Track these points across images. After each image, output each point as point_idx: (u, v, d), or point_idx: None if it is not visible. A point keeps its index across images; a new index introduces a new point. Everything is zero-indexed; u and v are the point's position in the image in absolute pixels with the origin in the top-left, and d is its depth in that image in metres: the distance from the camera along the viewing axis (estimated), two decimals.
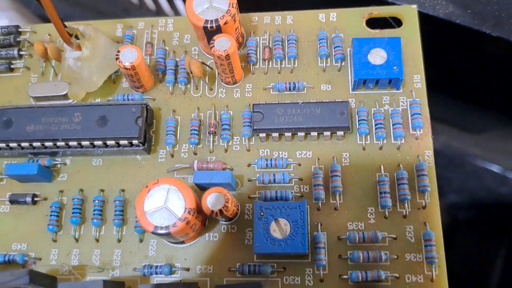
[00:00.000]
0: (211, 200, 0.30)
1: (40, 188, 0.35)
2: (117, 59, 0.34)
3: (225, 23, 0.34)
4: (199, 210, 0.30)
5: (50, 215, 0.34)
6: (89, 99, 0.37)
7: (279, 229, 0.31)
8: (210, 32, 0.34)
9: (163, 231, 0.29)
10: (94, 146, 0.34)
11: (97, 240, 0.33)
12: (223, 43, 0.33)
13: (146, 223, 0.29)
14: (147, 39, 0.39)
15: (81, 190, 0.34)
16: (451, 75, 0.42)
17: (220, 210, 0.30)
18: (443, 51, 0.41)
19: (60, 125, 0.34)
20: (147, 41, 0.39)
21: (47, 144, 0.34)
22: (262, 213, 0.31)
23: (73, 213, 0.34)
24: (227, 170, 0.33)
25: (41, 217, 0.34)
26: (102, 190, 0.34)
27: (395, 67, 0.34)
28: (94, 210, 0.33)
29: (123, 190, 0.34)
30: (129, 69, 0.34)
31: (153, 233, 0.29)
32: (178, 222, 0.29)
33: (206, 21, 0.34)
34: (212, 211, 0.30)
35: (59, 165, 0.35)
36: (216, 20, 0.34)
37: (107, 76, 0.36)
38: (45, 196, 0.35)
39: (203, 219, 0.32)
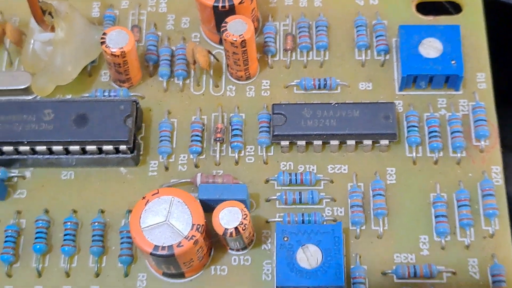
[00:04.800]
0: (224, 216, 0.37)
1: None
2: (102, 43, 0.42)
3: (240, 2, 0.43)
4: (206, 232, 0.38)
5: (5, 242, 0.41)
6: (57, 95, 0.45)
7: (308, 257, 0.38)
8: (221, 13, 0.43)
9: (165, 252, 0.36)
10: (68, 152, 0.42)
11: (68, 274, 0.40)
12: (238, 27, 0.42)
13: (144, 241, 0.36)
14: (133, 21, 0.47)
15: (47, 211, 0.42)
16: None
17: (236, 229, 0.37)
18: None
19: (25, 125, 0.41)
20: (133, 24, 0.47)
21: (5, 148, 0.41)
22: (286, 238, 0.39)
23: (36, 238, 0.41)
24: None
25: None
26: (75, 211, 0.42)
27: (453, 62, 0.43)
28: (65, 235, 0.41)
29: (102, 211, 0.42)
30: (117, 56, 0.42)
31: (152, 254, 0.36)
32: (184, 241, 0.36)
33: None
34: (226, 230, 0.37)
35: (15, 179, 0.43)
36: None
37: (84, 66, 0.44)
38: None
39: (209, 247, 0.39)
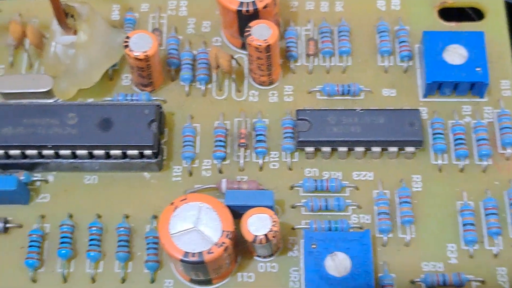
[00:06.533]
0: (254, 223, 0.37)
1: (12, 211, 0.41)
2: (126, 46, 0.42)
3: (264, 7, 0.43)
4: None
5: (29, 247, 0.40)
6: (78, 99, 0.44)
7: (337, 265, 0.38)
8: (245, 17, 0.43)
9: (195, 259, 0.36)
10: (92, 156, 0.41)
11: (93, 280, 0.40)
12: (263, 31, 0.42)
13: (173, 248, 0.36)
14: (153, 25, 0.47)
15: (70, 216, 0.41)
16: None
17: (266, 236, 0.37)
18: None
19: (48, 128, 0.41)
20: (154, 28, 0.47)
21: (28, 152, 0.41)
22: (314, 245, 0.38)
23: (61, 243, 0.40)
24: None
25: (15, 249, 0.41)
26: (99, 216, 0.41)
27: (478, 69, 0.43)
28: (90, 240, 0.40)
29: (127, 216, 0.41)
30: (141, 59, 0.42)
31: (182, 261, 0.36)
32: (214, 248, 0.36)
33: (241, 3, 0.42)
34: (256, 237, 0.37)
35: (38, 183, 0.42)
36: (254, 3, 0.42)
37: (106, 70, 0.44)
38: (19, 223, 0.41)
39: (236, 254, 0.39)
